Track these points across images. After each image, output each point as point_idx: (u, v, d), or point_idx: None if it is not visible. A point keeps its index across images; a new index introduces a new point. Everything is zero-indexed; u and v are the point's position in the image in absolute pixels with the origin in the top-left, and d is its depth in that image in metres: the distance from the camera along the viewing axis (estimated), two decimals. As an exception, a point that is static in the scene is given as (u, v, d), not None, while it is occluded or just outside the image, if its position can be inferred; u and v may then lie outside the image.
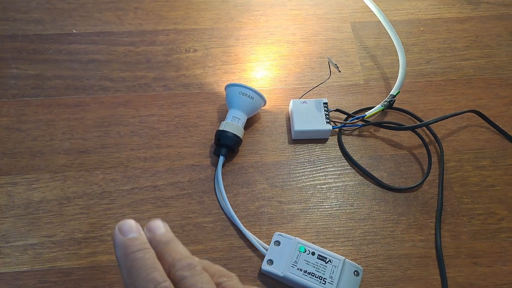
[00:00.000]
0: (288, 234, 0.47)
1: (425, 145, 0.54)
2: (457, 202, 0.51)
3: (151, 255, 0.26)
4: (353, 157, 0.53)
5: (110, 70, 0.60)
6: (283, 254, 0.45)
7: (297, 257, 0.45)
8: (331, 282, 0.43)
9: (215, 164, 0.53)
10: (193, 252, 0.46)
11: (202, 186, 0.52)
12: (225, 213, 0.50)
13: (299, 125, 0.53)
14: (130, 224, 0.28)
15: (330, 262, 0.45)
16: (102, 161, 0.53)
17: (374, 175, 0.52)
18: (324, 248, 0.46)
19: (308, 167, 0.53)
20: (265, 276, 0.46)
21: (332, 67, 0.55)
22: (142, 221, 0.49)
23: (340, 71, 0.55)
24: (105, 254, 0.47)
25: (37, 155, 0.54)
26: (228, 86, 0.53)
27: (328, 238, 0.49)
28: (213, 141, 0.53)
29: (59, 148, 0.54)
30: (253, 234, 0.48)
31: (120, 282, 0.46)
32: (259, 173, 0.53)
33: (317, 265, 0.44)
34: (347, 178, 0.53)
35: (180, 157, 0.54)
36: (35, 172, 0.53)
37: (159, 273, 0.25)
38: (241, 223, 0.49)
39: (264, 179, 0.52)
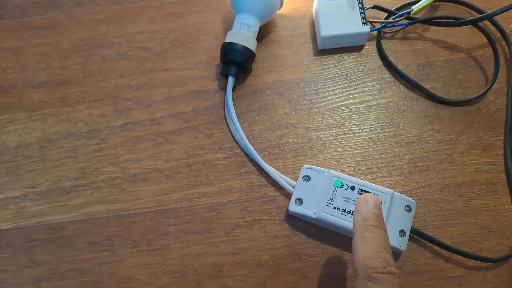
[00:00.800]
0: (319, 166, 0.39)
1: (491, 43, 0.44)
2: (532, 113, 0.41)
3: (386, 235, 0.30)
4: (397, 66, 0.44)
5: (85, -20, 0.50)
6: (315, 191, 0.38)
7: (332, 194, 0.37)
8: None
9: (223, 88, 0.45)
10: (205, 195, 0.40)
11: (210, 115, 0.44)
12: (240, 147, 0.43)
13: (327, 30, 0.43)
14: (376, 200, 0.31)
15: None
16: (86, 93, 0.46)
17: (425, 86, 0.43)
18: (365, 180, 0.38)
19: (340, 83, 0.45)
20: (294, 219, 0.40)
21: None
22: (140, 162, 0.42)
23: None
24: (100, 204, 0.41)
25: (8, 91, 0.46)
26: (233, -16, 0.43)
27: (370, 169, 0.41)
28: (219, 59, 0.45)
29: (34, 81, 0.46)
30: (276, 169, 0.41)
31: (120, 236, 0.40)
32: (279, 95, 0.45)
33: None
34: (390, 93, 0.44)
35: (180, 82, 0.46)
36: (8, 112, 0.45)
37: (390, 256, 0.28)
38: (261, 157, 0.41)
39: (286, 102, 0.44)
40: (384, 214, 0.36)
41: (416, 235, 0.37)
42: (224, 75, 0.44)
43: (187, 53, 0.47)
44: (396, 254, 0.38)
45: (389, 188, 0.39)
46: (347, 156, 0.42)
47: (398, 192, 0.39)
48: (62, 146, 0.44)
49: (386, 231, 0.30)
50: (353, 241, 0.30)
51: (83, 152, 0.43)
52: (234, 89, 0.45)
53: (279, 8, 0.46)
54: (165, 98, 0.45)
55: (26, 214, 0.41)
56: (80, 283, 0.39)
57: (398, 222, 0.37)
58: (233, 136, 0.43)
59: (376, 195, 0.37)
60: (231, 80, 0.43)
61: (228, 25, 0.48)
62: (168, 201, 0.41)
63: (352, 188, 0.38)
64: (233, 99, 0.44)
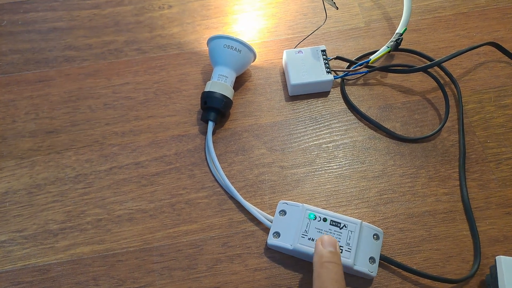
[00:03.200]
0: (294, 201, 0.42)
1: (441, 87, 0.48)
2: (481, 147, 0.45)
3: (338, 269, 0.33)
4: (360, 109, 0.48)
5: (74, 38, 0.54)
6: (290, 225, 0.40)
7: (307, 226, 0.40)
8: (349, 249, 0.38)
9: (204, 132, 0.48)
10: (188, 233, 0.41)
11: (192, 158, 0.46)
12: (220, 186, 0.45)
13: (296, 78, 0.47)
14: (331, 240, 0.35)
15: (346, 227, 0.39)
16: (74, 141, 0.47)
17: (386, 126, 0.47)
18: (336, 213, 0.40)
19: (310, 125, 0.48)
20: (272, 252, 0.41)
21: (327, 5, 0.48)
22: (125, 203, 0.43)
23: (337, 8, 0.48)
24: (86, 245, 0.42)
25: (-2, 141, 0.47)
26: (210, 40, 0.47)
27: (340, 202, 0.43)
28: (199, 106, 0.47)
29: (23, 131, 0.48)
30: (254, 206, 0.43)
31: (105, 275, 0.40)
32: (255, 137, 0.47)
33: (331, 232, 0.39)
34: (356, 133, 0.47)
35: (163, 128, 0.48)
36: (-3, 160, 0.46)
37: (340, 287, 0.32)
38: (240, 194, 0.43)
39: (262, 144, 0.47)
40: (354, 243, 0.39)
41: (385, 261, 0.39)
42: (204, 120, 0.47)
43: (170, 101, 0.50)
44: (367, 280, 0.40)
45: (358, 218, 0.41)
46: (319, 191, 0.44)
47: (367, 222, 0.41)
48: (50, 191, 0.45)
49: (341, 266, 0.34)
50: (312, 278, 0.33)
51: (70, 196, 0.44)
52: (213, 132, 0.47)
53: (253, 61, 0.50)
54: (149, 143, 0.47)
55: (13, 258, 0.41)
56: (67, 322, 0.39)
57: (367, 250, 0.39)
58: (213, 176, 0.45)
59: (346, 225, 0.40)
60: (211, 125, 0.46)
61: (206, 76, 0.51)
62: (152, 239, 0.42)
63: (324, 219, 0.40)
64: (213, 142, 0.47)
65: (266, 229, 0.42)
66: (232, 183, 0.44)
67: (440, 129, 0.46)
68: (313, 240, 0.39)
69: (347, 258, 0.38)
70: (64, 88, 0.51)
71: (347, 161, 0.45)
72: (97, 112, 0.49)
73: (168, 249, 0.41)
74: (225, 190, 0.44)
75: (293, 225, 0.40)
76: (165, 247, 0.41)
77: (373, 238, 0.39)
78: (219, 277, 0.40)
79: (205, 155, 0.46)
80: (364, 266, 0.38)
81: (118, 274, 0.40)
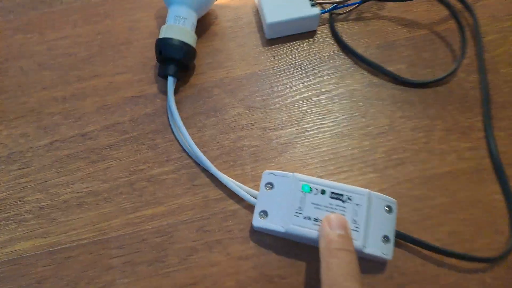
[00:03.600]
0: (282, 171, 0.33)
1: (453, 14, 0.39)
2: (508, 87, 0.37)
3: (352, 258, 0.27)
4: (356, 50, 0.39)
5: (-7, -17, 0.43)
6: (280, 200, 0.32)
7: (301, 201, 0.31)
8: (357, 228, 0.30)
9: (164, 91, 0.39)
10: (154, 217, 0.35)
11: (151, 124, 0.38)
12: (190, 157, 0.36)
13: (272, 16, 0.38)
14: (341, 220, 0.29)
15: (350, 200, 0.31)
16: (4, 112, 0.39)
17: (389, 69, 0.38)
18: (336, 182, 0.32)
19: (296, 74, 0.39)
20: (260, 235, 0.33)
21: None
22: (73, 185, 0.36)
23: None
24: (27, 240, 0.34)
25: None
26: (162, -28, 0.36)
27: (340, 167, 0.35)
28: (155, 59, 0.38)
29: None
30: (233, 179, 0.35)
31: (53, 276, 0.33)
32: (229, 93, 0.38)
33: (332, 207, 0.31)
34: (352, 80, 0.38)
35: (113, 89, 0.39)
36: None
37: (357, 283, 0.25)
38: (214, 166, 0.35)
39: (237, 101, 0.38)
40: (362, 219, 0.31)
41: (401, 239, 0.32)
42: (163, 75, 0.38)
43: (118, 55, 0.40)
44: (380, 264, 0.32)
45: (364, 187, 0.33)
46: (313, 155, 0.36)
47: (375, 191, 0.33)
48: (-24, 176, 0.36)
49: (354, 253, 0.28)
50: (320, 268, 0.27)
51: (3, 180, 0.36)
52: (176, 91, 0.39)
53: (218, -3, 0.40)
54: (96, 109, 0.38)
55: None
56: None
57: (379, 227, 0.31)
58: (180, 145, 0.37)
59: (350, 197, 0.31)
60: (171, 81, 0.37)
61: (162, 21, 0.42)
62: (109, 228, 0.34)
63: (323, 192, 0.32)
64: (177, 103, 0.38)
65: (251, 207, 0.34)
66: (204, 152, 0.36)
67: (456, 69, 0.38)
68: (309, 219, 0.31)
69: (355, 240, 0.30)
70: (-14, 46, 0.40)
71: (345, 116, 0.37)
72: (31, 75, 0.40)
73: (129, 239, 0.34)
74: (196, 162, 0.36)
75: (284, 201, 0.32)
76: (125, 237, 0.34)
77: (385, 210, 0.31)
78: (195, 270, 0.33)
79: (168, 120, 0.38)
80: (376, 248, 0.30)
81: (68, 274, 0.33)
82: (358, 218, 0.31)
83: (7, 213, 0.35)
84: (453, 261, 0.32)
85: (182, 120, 0.37)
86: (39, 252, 0.34)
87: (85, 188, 0.36)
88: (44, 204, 0.35)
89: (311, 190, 0.32)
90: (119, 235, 0.34)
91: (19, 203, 0.35)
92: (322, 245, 0.28)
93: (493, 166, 0.35)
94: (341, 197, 0.32)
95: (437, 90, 0.38)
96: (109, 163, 0.36)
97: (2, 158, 0.37)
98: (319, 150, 0.36)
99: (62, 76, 0.40)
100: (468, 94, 0.38)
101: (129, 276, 0.33)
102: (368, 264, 0.32)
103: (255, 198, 0.33)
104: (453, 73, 0.38)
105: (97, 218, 0.35)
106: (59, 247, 0.34)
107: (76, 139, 0.37)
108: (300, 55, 0.40)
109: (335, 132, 0.37)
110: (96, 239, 0.34)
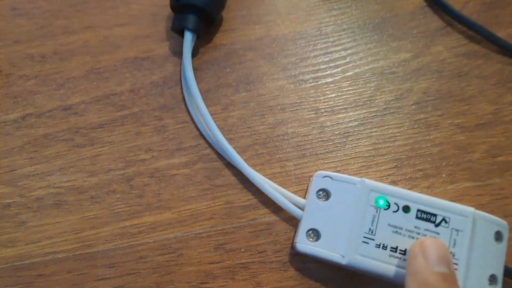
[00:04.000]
0: (340, 172, 0.25)
1: None
2: None
3: None
4: (451, 6, 0.30)
5: None
6: (340, 217, 0.24)
7: (373, 221, 0.22)
8: (455, 264, 0.21)
9: (178, 52, 0.30)
10: (157, 227, 0.27)
11: (159, 97, 0.29)
12: (210, 145, 0.28)
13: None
14: (441, 249, 0.20)
15: (446, 222, 0.23)
16: None
17: (497, 34, 0.29)
18: (422, 194, 0.24)
19: (363, 35, 0.31)
20: (303, 259, 0.25)
21: None
22: (49, 177, 0.28)
23: None
24: None
25: None
26: None
27: (423, 171, 0.27)
28: (169, 8, 0.30)
29: None
30: (269, 179, 0.27)
31: None
32: (268, 59, 0.30)
33: (419, 233, 0.23)
34: (442, 48, 0.31)
35: (109, 47, 0.31)
36: None
37: None
38: (244, 160, 0.27)
39: (280, 70, 0.29)
40: (464, 251, 0.22)
41: (510, 278, 0.23)
42: (178, 30, 0.29)
43: (120, 1, 0.32)
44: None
45: (454, 201, 0.23)
46: (384, 152, 0.27)
47: (481, 209, 0.23)
48: None
49: None
50: None
51: None
52: (195, 53, 0.30)
53: None
54: (86, 73, 0.30)
55: None
56: None
57: (485, 262, 0.23)
58: (198, 129, 0.28)
59: (447, 218, 0.22)
60: (189, 38, 0.28)
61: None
62: (96, 239, 0.26)
63: (406, 209, 0.23)
64: (195, 69, 0.29)
65: (293, 221, 0.26)
66: (230, 140, 0.28)
67: None
68: (385, 248, 0.22)
69: None
70: None
71: (431, 98, 0.28)
72: (1, 23, 0.32)
73: (123, 255, 0.26)
74: (218, 153, 0.28)
75: (346, 219, 0.24)
76: (117, 252, 0.26)
77: (494, 238, 0.22)
78: None
79: (182, 93, 0.29)
80: None
81: None
82: (457, 250, 0.22)
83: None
84: None
85: (201, 93, 0.28)
86: (0, 267, 0.26)
87: (66, 182, 0.28)
88: (10, 201, 0.28)
89: (388, 206, 0.23)
90: (109, 249, 0.26)
91: (-20, 200, 0.28)
92: (411, 286, 0.20)
93: None
94: (433, 219, 0.23)
95: None
96: (100, 150, 0.28)
97: (-41, 137, 0.29)
98: (393, 144, 0.27)
99: (43, 27, 0.32)
100: None
101: (120, 309, 0.25)
102: None
103: (301, 209, 0.25)
104: None
105: (81, 224, 0.27)
106: (27, 261, 0.26)
107: (57, 113, 0.29)
108: (371, 10, 0.31)
109: (417, 120, 0.28)
110: (78, 252, 0.26)
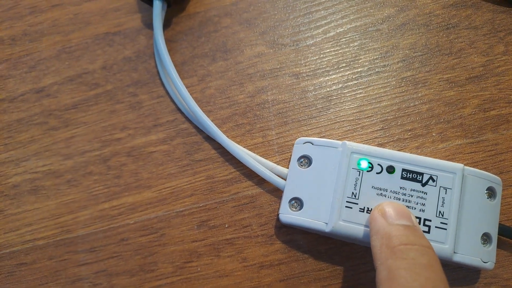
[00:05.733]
0: (324, 138, 0.25)
1: None
2: None
3: (430, 257, 0.19)
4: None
5: None
6: (322, 183, 0.24)
7: (355, 184, 0.22)
8: (443, 225, 0.22)
9: (150, 24, 0.30)
10: (136, 207, 0.27)
11: (133, 72, 0.29)
12: (187, 119, 0.28)
13: None
14: (400, 208, 0.21)
15: (433, 180, 0.23)
16: None
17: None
18: (409, 153, 0.24)
19: (343, -8, 0.28)
20: (290, 231, 0.26)
21: None
22: (25, 162, 0.29)
23: None
24: None
25: None
26: None
27: (411, 130, 0.26)
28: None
29: None
30: (250, 151, 0.27)
31: None
32: (245, 24, 0.30)
33: (405, 194, 0.23)
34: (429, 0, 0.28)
35: (80, 23, 0.31)
36: None
37: None
38: (223, 132, 0.27)
39: (258, 35, 0.29)
40: (453, 210, 0.22)
41: (505, 236, 0.23)
42: (148, 0, 0.28)
43: None
44: (474, 272, 0.23)
45: (449, 160, 0.23)
46: (370, 113, 0.27)
47: (470, 166, 0.23)
48: None
49: (432, 249, 0.20)
50: (376, 278, 0.19)
51: None
52: (168, 23, 0.30)
53: None
54: (57, 53, 0.31)
55: None
56: None
57: (477, 221, 0.22)
58: (174, 103, 0.29)
59: (434, 176, 0.22)
60: (158, 7, 0.28)
61: None
62: (76, 224, 0.27)
63: (390, 169, 0.23)
64: (169, 41, 0.29)
65: (277, 192, 0.26)
66: (208, 112, 0.28)
67: None
68: (370, 211, 0.22)
69: (441, 243, 0.22)
70: None
71: (418, 54, 0.27)
72: None
73: (103, 239, 0.27)
74: (196, 127, 0.28)
75: (328, 184, 0.24)
76: (98, 235, 0.27)
77: (486, 195, 0.22)
78: (197, 283, 0.25)
79: (156, 67, 0.29)
80: (473, 254, 0.22)
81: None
82: (446, 209, 0.22)
83: None
84: None
85: (176, 66, 0.28)
86: None
87: (42, 166, 0.28)
88: None
89: (371, 167, 0.23)
90: (90, 233, 0.27)
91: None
92: (376, 244, 0.20)
93: None
94: (419, 177, 0.22)
95: None
96: (75, 131, 0.29)
97: None
98: (379, 105, 0.27)
99: (11, 8, 0.32)
100: None
101: (104, 292, 0.25)
102: (453, 274, 0.23)
103: (284, 179, 0.25)
104: None
105: (59, 209, 0.27)
106: (7, 251, 0.27)
107: (29, 96, 0.30)
108: None
109: (403, 78, 0.27)
110: (58, 238, 0.27)
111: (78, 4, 0.31)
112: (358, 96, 0.27)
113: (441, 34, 0.28)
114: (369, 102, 0.27)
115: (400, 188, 0.22)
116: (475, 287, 0.23)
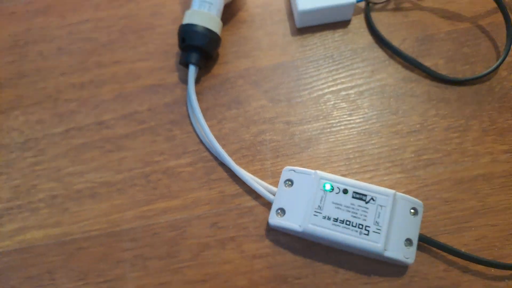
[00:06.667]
0: (303, 168, 0.35)
1: (501, 7, 0.40)
2: (555, 89, 0.38)
3: None
4: (392, 43, 0.40)
5: (16, -35, 0.46)
6: (299, 198, 0.34)
7: (321, 200, 0.33)
8: (378, 230, 0.32)
9: (184, 81, 0.41)
10: (167, 211, 0.37)
11: (170, 114, 0.40)
12: (207, 150, 0.39)
13: (305, 3, 0.40)
14: None
15: (373, 200, 0.33)
16: (22, 97, 0.42)
17: (426, 64, 0.40)
18: (360, 181, 0.34)
19: (325, 66, 0.41)
20: (276, 233, 0.35)
21: None
22: (87, 174, 0.38)
23: None
24: (39, 229, 0.37)
25: None
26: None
27: (365, 166, 0.36)
28: (177, 46, 0.40)
29: (-43, 86, 0.42)
30: (252, 174, 0.37)
31: (63, 267, 0.35)
32: (253, 84, 0.41)
33: (354, 208, 0.33)
34: (385, 75, 0.40)
35: (132, 77, 0.42)
36: None
37: None
38: (233, 160, 0.37)
39: (261, 93, 0.40)
40: (385, 221, 0.32)
41: (425, 243, 0.33)
42: (184, 64, 0.40)
43: (140, 42, 0.43)
44: (401, 268, 0.33)
45: (390, 188, 0.34)
46: (337, 153, 0.37)
47: (401, 192, 0.34)
48: (-9, 161, 0.39)
49: None
50: None
51: (17, 166, 0.39)
52: (198, 80, 0.41)
53: (247, -18, 0.42)
54: (115, 97, 0.41)
55: None
56: (12, 329, 0.34)
57: (403, 230, 0.33)
58: (199, 137, 0.39)
59: (374, 197, 0.33)
60: (192, 70, 0.39)
61: (187, 6, 0.44)
62: (122, 220, 0.37)
63: (345, 191, 0.34)
64: (198, 93, 0.41)
65: (268, 205, 0.36)
66: (222, 145, 0.38)
67: (497, 66, 0.39)
68: (329, 219, 0.33)
69: (375, 243, 0.32)
70: (8, 30, 0.45)
71: (374, 113, 0.38)
72: (50, 60, 0.44)
73: (141, 232, 0.36)
74: (213, 155, 0.38)
75: (303, 199, 0.34)
76: (137, 230, 0.36)
77: (410, 213, 0.33)
78: (207, 267, 0.35)
79: (187, 111, 0.40)
80: (398, 252, 0.32)
81: (79, 265, 0.35)
82: (380, 219, 0.32)
83: (20, 200, 0.38)
84: (479, 267, 0.33)
85: (202, 111, 0.39)
86: (50, 242, 0.36)
87: (99, 178, 0.38)
88: (57, 193, 0.38)
89: (332, 189, 0.34)
90: (131, 228, 0.36)
91: (32, 191, 0.38)
92: None
93: (534, 171, 0.35)
94: (364, 198, 0.33)
95: (476, 89, 0.39)
96: (125, 154, 0.39)
97: (17, 145, 0.40)
98: (344, 147, 0.38)
99: (82, 62, 0.43)
100: (509, 94, 0.39)
101: (140, 270, 0.35)
102: (388, 268, 0.33)
103: (273, 195, 0.35)
104: (494, 71, 0.39)
105: (110, 210, 0.37)
106: (70, 238, 0.36)
107: (92, 127, 0.40)
108: (331, 46, 0.42)
109: (363, 129, 0.38)
110: (108, 231, 0.36)
111: (133, 62, 0.42)
112: (329, 140, 0.38)
113: (391, 99, 0.39)
114: (337, 145, 0.38)
115: (351, 204, 0.33)
116: (403, 278, 0.33)
